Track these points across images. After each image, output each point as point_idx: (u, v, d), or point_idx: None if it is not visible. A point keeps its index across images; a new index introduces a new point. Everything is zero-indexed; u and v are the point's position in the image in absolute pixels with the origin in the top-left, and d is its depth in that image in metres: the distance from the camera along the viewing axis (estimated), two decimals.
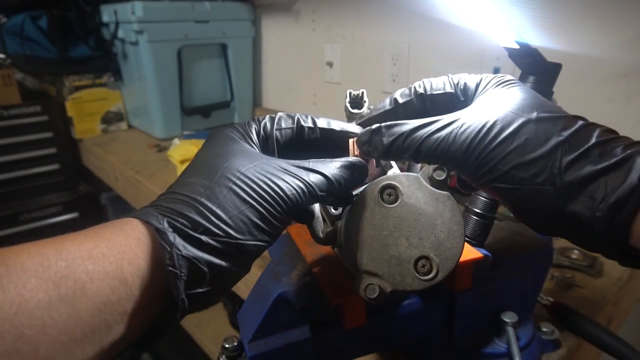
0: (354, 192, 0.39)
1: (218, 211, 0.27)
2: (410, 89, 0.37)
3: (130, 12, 1.36)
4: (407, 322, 0.45)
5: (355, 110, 0.40)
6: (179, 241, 0.26)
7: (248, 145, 0.33)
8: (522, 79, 0.45)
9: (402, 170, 0.39)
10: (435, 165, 0.35)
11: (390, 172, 0.39)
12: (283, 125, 0.34)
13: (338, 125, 0.36)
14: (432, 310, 0.46)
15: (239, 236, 0.28)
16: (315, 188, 0.30)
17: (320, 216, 0.39)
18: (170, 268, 0.26)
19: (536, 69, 0.45)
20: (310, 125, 0.35)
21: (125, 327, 0.26)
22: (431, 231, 0.33)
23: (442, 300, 0.46)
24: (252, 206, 0.28)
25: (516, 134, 0.30)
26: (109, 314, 0.24)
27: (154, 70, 1.44)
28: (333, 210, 0.38)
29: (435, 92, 0.36)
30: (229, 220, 0.27)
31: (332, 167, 0.32)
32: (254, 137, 0.34)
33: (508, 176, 0.30)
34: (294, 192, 0.29)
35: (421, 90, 0.36)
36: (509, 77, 0.35)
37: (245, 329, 0.40)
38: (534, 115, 0.30)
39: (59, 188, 1.71)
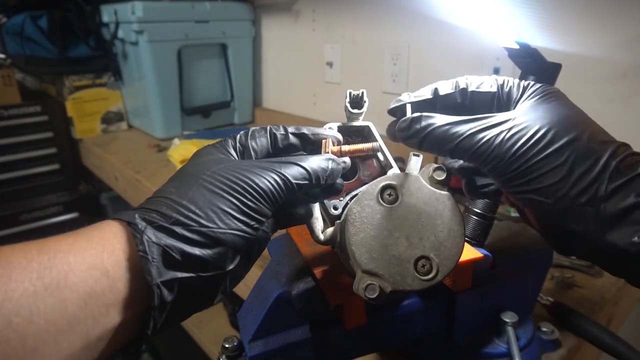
0: (354, 193, 0.39)
1: (188, 204, 0.28)
2: (452, 82, 0.36)
3: (130, 12, 1.36)
4: (407, 322, 0.45)
5: (355, 110, 0.40)
6: (149, 230, 0.27)
7: (223, 155, 0.34)
8: (522, 79, 0.45)
9: (402, 170, 0.39)
10: (436, 165, 0.35)
11: (390, 172, 0.39)
12: (257, 135, 0.36)
13: (308, 129, 0.37)
14: (432, 310, 0.46)
15: (210, 225, 0.28)
16: (289, 177, 0.31)
17: (320, 216, 0.39)
18: (141, 253, 0.27)
19: (536, 69, 0.45)
20: (282, 131, 0.36)
21: (112, 321, 0.26)
22: (431, 231, 0.33)
23: (442, 300, 0.46)
24: (222, 196, 0.29)
25: (565, 149, 0.30)
26: (94, 306, 0.25)
27: (154, 70, 1.44)
28: (333, 210, 0.38)
29: (478, 90, 0.36)
30: (198, 211, 0.28)
31: (305, 158, 0.33)
32: (231, 150, 0.35)
33: (549, 190, 0.30)
34: (266, 181, 0.30)
35: (463, 85, 0.36)
36: (555, 88, 0.34)
37: (245, 329, 0.40)
38: (585, 134, 0.30)
39: (59, 188, 1.71)
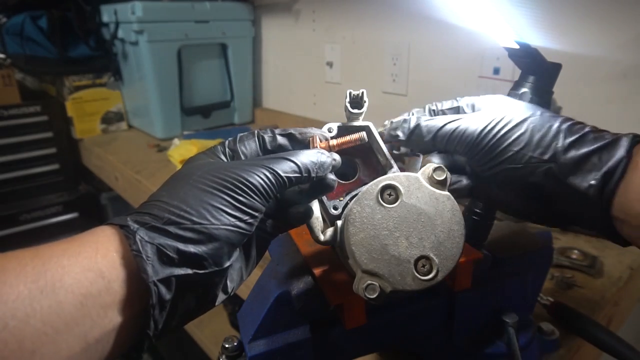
0: (354, 192, 0.39)
1: (179, 204, 0.29)
2: (424, 108, 0.45)
3: (130, 12, 1.36)
4: (407, 322, 0.45)
5: (355, 110, 0.40)
6: (142, 231, 0.28)
7: (213, 160, 0.34)
8: (522, 79, 0.45)
9: (402, 170, 0.39)
10: (436, 165, 0.35)
11: (390, 172, 0.39)
12: (245, 140, 0.36)
13: (295, 130, 0.37)
14: (432, 310, 0.46)
15: (202, 221, 0.28)
16: (279, 171, 0.32)
17: (320, 216, 0.39)
18: (135, 252, 0.27)
19: (536, 69, 0.45)
20: (269, 134, 0.36)
21: (111, 323, 0.26)
22: (431, 231, 0.33)
23: (442, 300, 0.46)
24: (212, 194, 0.29)
25: (524, 123, 0.38)
26: (90, 307, 0.25)
27: (154, 70, 1.44)
28: (333, 210, 0.38)
29: (445, 108, 0.44)
30: (189, 209, 0.28)
31: (293, 153, 0.34)
32: (221, 155, 0.35)
33: (517, 156, 0.37)
34: (256, 176, 0.31)
35: (433, 108, 0.45)
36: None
37: (245, 329, 0.40)
38: (538, 112, 0.39)
39: (59, 188, 1.71)
